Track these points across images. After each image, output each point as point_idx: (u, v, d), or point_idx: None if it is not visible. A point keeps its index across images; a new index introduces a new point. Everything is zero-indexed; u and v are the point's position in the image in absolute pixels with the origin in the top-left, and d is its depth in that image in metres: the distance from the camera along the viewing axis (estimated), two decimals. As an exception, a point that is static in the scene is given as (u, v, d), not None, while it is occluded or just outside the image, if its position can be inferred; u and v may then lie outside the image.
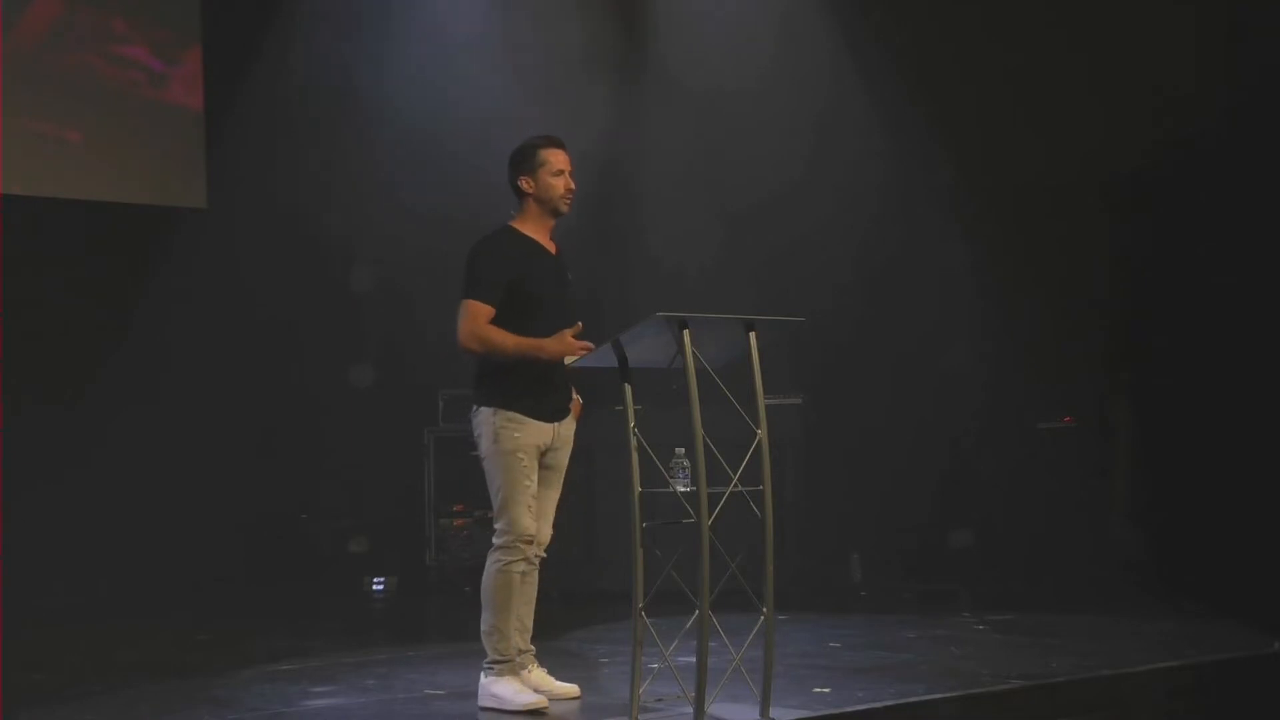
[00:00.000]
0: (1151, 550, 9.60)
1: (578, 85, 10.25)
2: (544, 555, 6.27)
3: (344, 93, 10.76)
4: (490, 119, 9.76)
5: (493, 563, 6.10)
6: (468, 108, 10.19)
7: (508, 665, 6.10)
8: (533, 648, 6.30)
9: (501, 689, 6.08)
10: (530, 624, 6.28)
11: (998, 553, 9.64)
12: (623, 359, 5.77)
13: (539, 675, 6.27)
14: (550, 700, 6.16)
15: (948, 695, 6.14)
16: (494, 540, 6.12)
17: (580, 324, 6.06)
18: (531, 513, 6.08)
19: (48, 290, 10.15)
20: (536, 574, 6.27)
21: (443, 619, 9.50)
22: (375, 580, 10.42)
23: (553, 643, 6.42)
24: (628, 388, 5.78)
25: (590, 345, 6.00)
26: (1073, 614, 8.36)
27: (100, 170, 10.58)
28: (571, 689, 6.26)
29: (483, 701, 6.12)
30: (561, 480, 6.28)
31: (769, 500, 5.65)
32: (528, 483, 6.06)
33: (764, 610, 5.71)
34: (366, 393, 10.82)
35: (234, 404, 10.69)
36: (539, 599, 6.28)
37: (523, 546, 6.07)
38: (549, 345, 6.02)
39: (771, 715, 5.70)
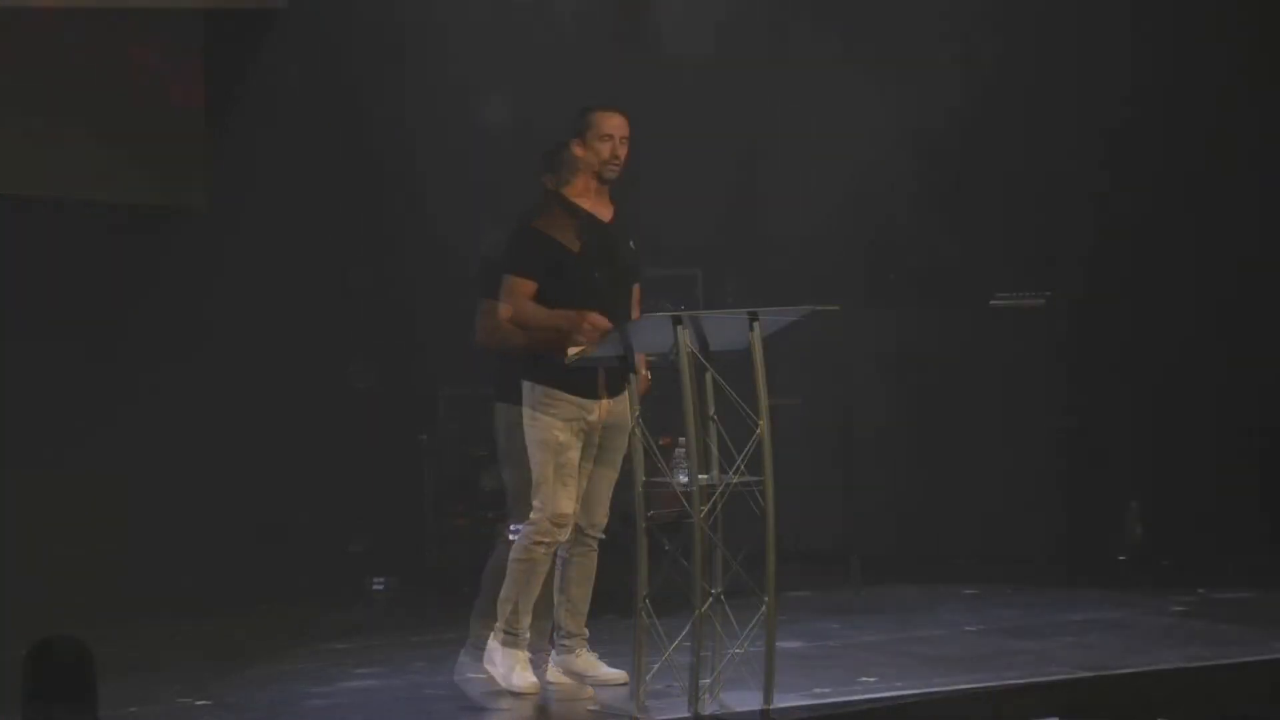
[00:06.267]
0: (1151, 548, 9.59)
1: (583, 90, 10.22)
2: (602, 537, 6.25)
3: (344, 92, 10.74)
4: (492, 120, 9.74)
5: (521, 538, 6.07)
6: (470, 108, 10.18)
7: (515, 639, 6.07)
8: (585, 631, 6.28)
9: (502, 660, 6.07)
10: (584, 608, 6.27)
11: (998, 550, 9.63)
12: (628, 351, 5.77)
13: (586, 660, 6.25)
14: (597, 686, 6.18)
15: (948, 694, 6.13)
16: (530, 515, 6.05)
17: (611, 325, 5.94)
18: (568, 491, 5.99)
19: (47, 291, 10.13)
20: (595, 556, 6.25)
21: (443, 619, 9.46)
22: (375, 580, 10.42)
23: (554, 639, 6.43)
24: (633, 378, 5.78)
25: (607, 324, 5.87)
26: (1076, 613, 8.34)
27: (100, 170, 10.56)
28: (619, 675, 6.22)
29: (486, 661, 6.12)
30: (618, 461, 6.16)
31: (770, 493, 5.65)
32: (563, 460, 5.97)
33: (765, 599, 5.69)
34: (366, 393, 10.81)
35: (233, 404, 10.66)
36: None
37: (553, 528, 6.00)
38: (569, 318, 5.91)
39: (773, 706, 5.70)
